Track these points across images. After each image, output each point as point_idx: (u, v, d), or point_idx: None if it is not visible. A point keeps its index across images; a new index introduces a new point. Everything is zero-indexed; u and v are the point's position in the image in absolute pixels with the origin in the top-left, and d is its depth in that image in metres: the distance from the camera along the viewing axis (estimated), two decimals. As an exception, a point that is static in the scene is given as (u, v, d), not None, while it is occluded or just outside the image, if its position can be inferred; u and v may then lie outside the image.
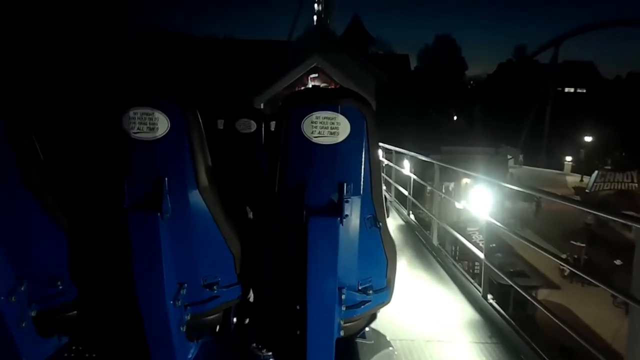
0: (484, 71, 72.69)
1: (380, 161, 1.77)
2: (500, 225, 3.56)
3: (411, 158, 6.88)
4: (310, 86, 20.75)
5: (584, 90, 64.46)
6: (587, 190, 23.55)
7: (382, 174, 8.56)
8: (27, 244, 1.70)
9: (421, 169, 7.66)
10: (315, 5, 43.79)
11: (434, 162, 5.37)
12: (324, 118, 1.52)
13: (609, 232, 15.00)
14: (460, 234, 4.68)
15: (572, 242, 14.48)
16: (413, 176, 6.58)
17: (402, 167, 7.50)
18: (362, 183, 1.59)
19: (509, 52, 68.44)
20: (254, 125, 3.38)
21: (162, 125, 1.53)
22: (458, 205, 9.18)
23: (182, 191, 1.60)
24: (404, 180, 7.24)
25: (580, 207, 3.05)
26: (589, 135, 37.38)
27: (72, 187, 1.84)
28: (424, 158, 6.05)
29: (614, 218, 2.63)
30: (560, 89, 54.70)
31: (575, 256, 14.38)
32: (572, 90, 64.50)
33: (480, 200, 3.76)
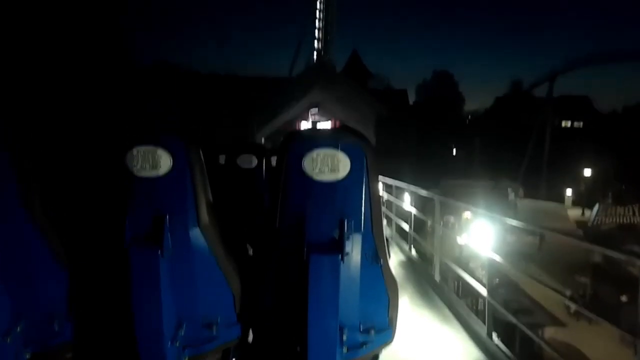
0: (482, 105, 73.87)
1: (380, 197, 1.72)
2: (502, 261, 3.52)
3: (411, 192, 6.89)
4: (310, 120, 21.01)
5: (581, 124, 65.27)
6: (589, 224, 23.43)
7: (383, 208, 8.57)
8: (27, 281, 1.67)
9: (422, 202, 7.65)
10: (315, 42, 45.14)
11: (434, 196, 5.36)
12: (325, 155, 1.55)
13: (613, 266, 14.80)
14: (463, 269, 4.61)
15: (576, 277, 14.27)
16: (414, 210, 6.56)
17: (403, 201, 7.49)
18: (362, 219, 1.59)
19: (505, 86, 69.63)
20: (255, 161, 3.42)
21: (165, 163, 1.56)
22: (460, 239, 9.10)
23: (183, 228, 1.60)
24: (404, 215, 7.22)
25: (584, 245, 3.03)
26: (588, 168, 37.55)
27: (74, 223, 1.84)
28: (423, 192, 6.05)
29: (617, 255, 2.61)
30: (557, 122, 55.38)
31: (581, 292, 14.13)
32: (569, 123, 65.32)
33: (482, 235, 3.73)
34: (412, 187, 6.68)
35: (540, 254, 17.96)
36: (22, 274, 1.66)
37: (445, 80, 62.67)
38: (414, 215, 6.55)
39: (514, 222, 3.87)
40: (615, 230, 22.01)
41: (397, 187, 7.93)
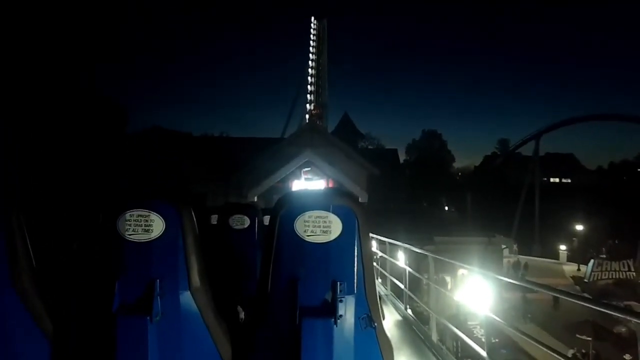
0: (471, 163, 75.45)
1: (372, 258, 1.71)
2: (500, 320, 3.44)
3: (405, 249, 6.83)
4: (303, 179, 21.17)
5: (569, 180, 66.65)
6: (585, 280, 23.25)
7: (377, 266, 8.47)
8: (8, 349, 1.61)
9: (416, 260, 7.57)
10: (307, 105, 46.64)
11: (427, 254, 5.33)
12: (316, 217, 1.57)
13: (614, 324, 14.48)
14: (461, 329, 4.48)
15: (577, 335, 13.89)
16: (408, 269, 6.48)
17: (397, 259, 7.41)
18: (355, 281, 1.59)
19: (493, 144, 71.62)
20: (247, 221, 3.42)
21: (157, 226, 1.57)
22: (456, 297, 8.93)
23: (173, 293, 1.59)
24: (399, 273, 7.11)
25: (584, 304, 2.98)
26: (580, 224, 37.81)
27: (62, 289, 1.82)
28: (417, 250, 6.01)
29: (617, 314, 2.57)
30: (545, 179, 56.48)
31: (583, 351, 13.71)
32: (557, 180, 66.65)
33: (478, 293, 3.67)
34: (406, 245, 6.63)
35: (555, 312, 17.71)
36: (1, 341, 1.61)
37: (434, 139, 64.38)
38: (409, 273, 6.45)
39: (510, 280, 3.83)
40: (612, 286, 21.82)
41: (391, 244, 7.87)
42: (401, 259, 7.11)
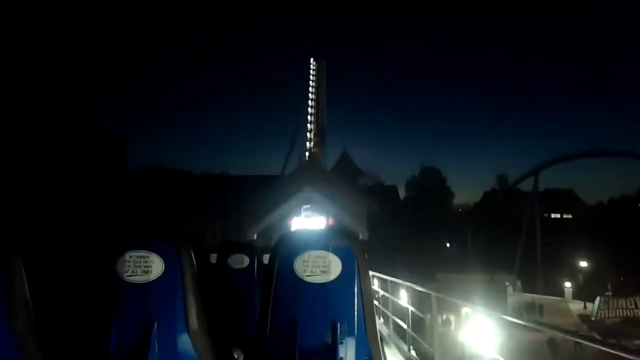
0: (470, 199, 75.33)
1: (373, 298, 1.71)
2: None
3: (408, 288, 6.68)
4: (303, 216, 21.07)
5: (570, 216, 66.32)
6: (592, 318, 22.71)
7: (379, 305, 8.27)
8: None
9: (419, 298, 7.40)
10: (307, 142, 47.11)
11: (430, 292, 5.21)
12: (316, 257, 1.56)
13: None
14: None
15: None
16: (411, 308, 6.31)
17: (399, 298, 7.23)
18: (355, 322, 1.57)
19: (491, 180, 71.75)
20: (246, 261, 3.41)
21: (157, 267, 1.55)
22: (460, 337, 8.67)
23: (171, 336, 1.56)
24: (401, 312, 6.92)
25: (598, 346, 2.88)
26: (584, 260, 37.32)
27: (59, 332, 1.78)
28: (420, 289, 5.87)
29: (625, 355, 2.48)
30: (546, 214, 56.23)
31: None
32: (558, 216, 66.32)
33: (484, 333, 3.56)
34: (408, 283, 6.49)
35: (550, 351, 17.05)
36: None
37: (434, 175, 64.60)
38: (411, 312, 6.27)
39: (517, 321, 3.72)
40: (620, 325, 21.28)
41: (393, 282, 7.71)
42: (403, 298, 6.95)
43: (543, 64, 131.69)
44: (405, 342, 6.62)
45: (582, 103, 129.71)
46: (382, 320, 8.24)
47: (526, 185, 50.24)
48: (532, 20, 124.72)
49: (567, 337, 2.81)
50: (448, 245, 49.63)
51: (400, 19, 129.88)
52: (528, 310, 24.18)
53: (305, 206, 21.44)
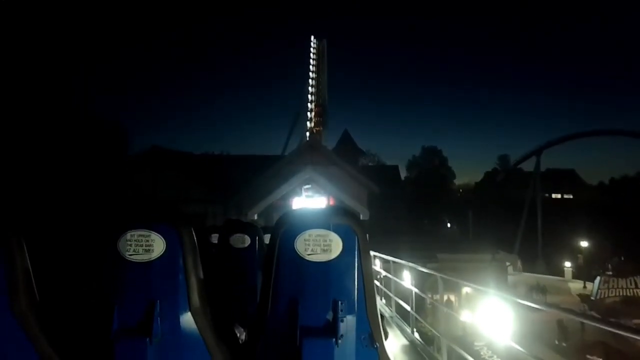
0: (471, 179, 75.27)
1: (373, 277, 1.69)
2: (524, 350, 3.14)
3: (411, 269, 6.53)
4: (304, 196, 20.96)
5: (571, 196, 66.38)
6: (592, 298, 22.82)
7: (381, 286, 8.17)
8: None
9: (420, 278, 7.27)
10: (308, 122, 46.73)
11: (435, 274, 5.05)
12: (317, 236, 1.56)
13: (624, 343, 14.07)
14: (468, 351, 4.20)
15: (588, 356, 13.49)
16: (415, 290, 6.16)
17: (402, 279, 7.10)
18: (356, 300, 1.58)
19: (492, 161, 71.54)
20: (248, 240, 3.39)
21: (158, 246, 1.57)
22: (462, 317, 8.60)
23: (173, 314, 1.59)
24: (404, 293, 6.80)
25: (597, 324, 2.77)
26: (584, 240, 37.39)
27: (61, 312, 1.79)
28: (424, 270, 5.71)
29: (627, 333, 2.39)
30: (547, 195, 56.16)
31: (594, 372, 13.31)
32: (559, 196, 66.33)
33: (496, 317, 3.41)
34: (411, 264, 6.33)
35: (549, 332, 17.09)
36: None
37: (435, 155, 64.35)
38: (415, 294, 6.14)
39: (521, 301, 3.61)
40: (620, 304, 21.40)
41: (395, 263, 7.58)
42: (406, 279, 6.82)
43: (545, 41, 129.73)
44: (409, 325, 6.53)
45: (583, 83, 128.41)
46: (384, 301, 8.15)
47: (527, 166, 50.23)
48: (533, 6, 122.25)
49: (575, 318, 2.68)
50: (449, 225, 49.71)
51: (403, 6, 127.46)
52: (536, 290, 24.29)
53: (306, 186, 21.29)
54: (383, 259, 8.39)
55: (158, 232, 1.57)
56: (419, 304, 6.65)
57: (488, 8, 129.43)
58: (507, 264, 25.39)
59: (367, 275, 1.60)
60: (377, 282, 8.46)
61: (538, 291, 24.35)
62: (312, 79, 49.12)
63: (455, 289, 16.62)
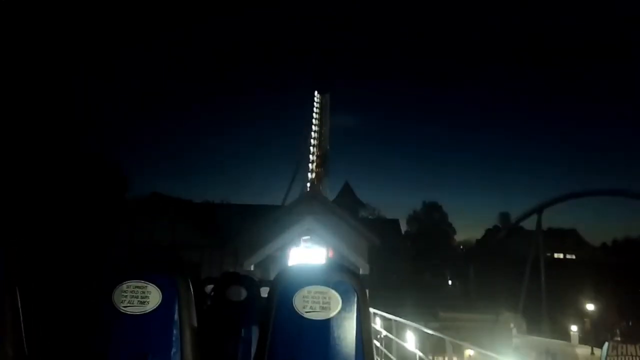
0: (472, 236, 74.48)
1: (372, 336, 1.64)
2: None
3: (415, 330, 6.10)
4: (302, 247, 20.54)
5: (574, 256, 65.31)
6: (602, 365, 21.76)
7: (381, 347, 7.66)
8: None
9: (422, 338, 6.82)
10: (309, 173, 47.02)
11: (445, 337, 4.68)
12: (315, 293, 1.54)
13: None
14: None
15: None
16: (419, 353, 5.69)
17: (404, 340, 6.64)
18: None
19: (493, 217, 71.13)
20: (244, 293, 3.30)
21: (154, 298, 1.56)
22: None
23: None
24: (404, 355, 6.31)
25: None
26: (590, 303, 36.39)
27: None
28: (430, 332, 5.30)
29: None
30: (549, 254, 55.31)
31: None
32: (561, 256, 65.30)
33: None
34: (415, 324, 5.91)
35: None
36: None
37: (435, 211, 64.12)
38: (419, 358, 5.67)
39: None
40: None
41: (397, 322, 7.12)
42: (410, 340, 6.36)
43: (546, 98, 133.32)
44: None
45: (583, 142, 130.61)
46: (384, 363, 7.62)
47: (528, 224, 49.81)
48: (536, 60, 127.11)
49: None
50: (450, 282, 48.59)
51: (402, 56, 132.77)
52: (546, 357, 23.12)
53: (305, 237, 20.91)
54: (384, 317, 7.94)
55: (154, 284, 1.56)
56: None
57: (490, 67, 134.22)
58: (512, 325, 24.47)
59: (366, 334, 1.56)
60: (377, 343, 7.96)
61: (548, 357, 23.18)
62: (315, 131, 49.96)
63: (457, 351, 15.82)
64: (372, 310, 9.48)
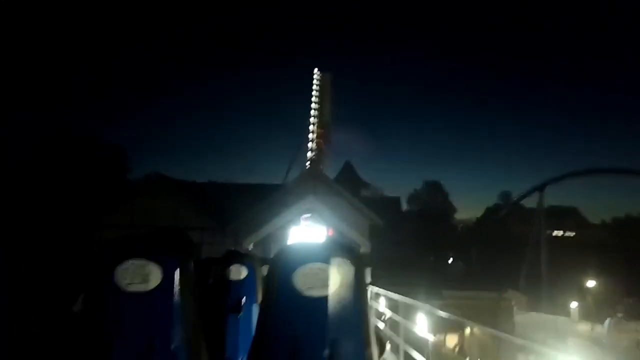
0: (472, 215, 74.54)
1: (369, 312, 1.65)
2: None
3: (427, 311, 5.73)
4: (302, 226, 20.33)
5: (573, 234, 65.60)
6: (603, 341, 21.88)
7: (388, 330, 7.40)
8: None
9: (431, 319, 6.52)
10: (309, 152, 46.61)
11: (464, 320, 4.36)
12: (315, 270, 1.53)
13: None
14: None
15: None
16: (431, 338, 5.30)
17: (414, 323, 6.29)
18: (355, 338, 1.54)
19: (493, 196, 71.07)
20: (245, 272, 3.29)
21: (155, 277, 1.53)
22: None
23: (167, 348, 1.54)
24: (414, 340, 5.96)
25: None
26: (591, 280, 36.57)
27: (58, 344, 1.77)
28: (444, 315, 4.93)
29: None
30: (549, 232, 55.46)
31: None
32: (560, 233, 65.56)
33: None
34: (428, 306, 5.56)
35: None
36: None
37: (436, 190, 64.01)
38: (432, 343, 5.33)
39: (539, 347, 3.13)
40: (636, 349, 20.47)
41: (405, 304, 6.79)
42: (421, 324, 6.00)
43: (548, 77, 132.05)
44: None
45: (585, 122, 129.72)
46: (389, 346, 7.31)
47: (529, 202, 49.74)
48: (538, 40, 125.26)
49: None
50: (451, 261, 48.78)
51: (406, 34, 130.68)
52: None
53: (305, 215, 20.70)
54: (388, 297, 7.61)
55: (156, 262, 1.54)
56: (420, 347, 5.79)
57: (492, 48, 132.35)
58: (513, 303, 24.49)
59: (364, 310, 1.59)
60: (381, 324, 7.67)
61: (557, 339, 22.68)
62: (316, 109, 49.40)
63: (456, 328, 15.72)
64: (376, 289, 9.20)
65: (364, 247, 20.30)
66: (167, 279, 1.54)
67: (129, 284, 1.51)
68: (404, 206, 56.66)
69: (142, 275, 1.53)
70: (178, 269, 1.57)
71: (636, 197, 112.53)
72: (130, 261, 1.53)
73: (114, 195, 24.03)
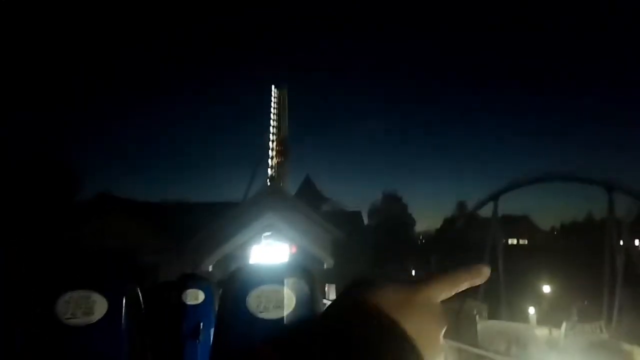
0: (432, 226, 76.23)
1: None
2: None
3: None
4: (263, 244, 19.91)
5: (526, 241, 68.42)
6: (561, 345, 22.56)
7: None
8: None
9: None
10: (269, 169, 46.27)
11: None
12: (269, 292, 1.48)
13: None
14: None
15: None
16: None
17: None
18: None
19: (451, 207, 73.08)
20: (202, 296, 3.27)
21: (100, 308, 1.47)
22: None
23: None
24: None
25: None
26: (546, 284, 38.05)
27: None
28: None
29: None
30: (504, 240, 57.45)
31: None
32: (514, 241, 68.23)
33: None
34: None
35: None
36: None
37: (395, 202, 64.99)
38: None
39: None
40: (588, 352, 21.23)
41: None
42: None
43: (502, 91, 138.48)
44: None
45: (535, 129, 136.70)
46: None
47: (485, 213, 51.44)
48: (496, 50, 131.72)
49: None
50: (413, 272, 49.44)
51: (359, 46, 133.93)
52: (516, 345, 23.02)
53: (266, 233, 20.29)
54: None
55: (100, 292, 1.50)
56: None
57: (448, 58, 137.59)
58: (474, 312, 24.88)
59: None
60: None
61: (518, 346, 23.05)
62: (274, 127, 49.35)
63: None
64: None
65: (327, 262, 20.08)
66: (114, 309, 1.49)
67: (70, 318, 1.44)
68: (366, 220, 57.13)
69: (86, 307, 1.47)
70: (124, 298, 1.52)
71: (581, 203, 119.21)
72: (72, 293, 1.46)
73: (59, 217, 22.69)
